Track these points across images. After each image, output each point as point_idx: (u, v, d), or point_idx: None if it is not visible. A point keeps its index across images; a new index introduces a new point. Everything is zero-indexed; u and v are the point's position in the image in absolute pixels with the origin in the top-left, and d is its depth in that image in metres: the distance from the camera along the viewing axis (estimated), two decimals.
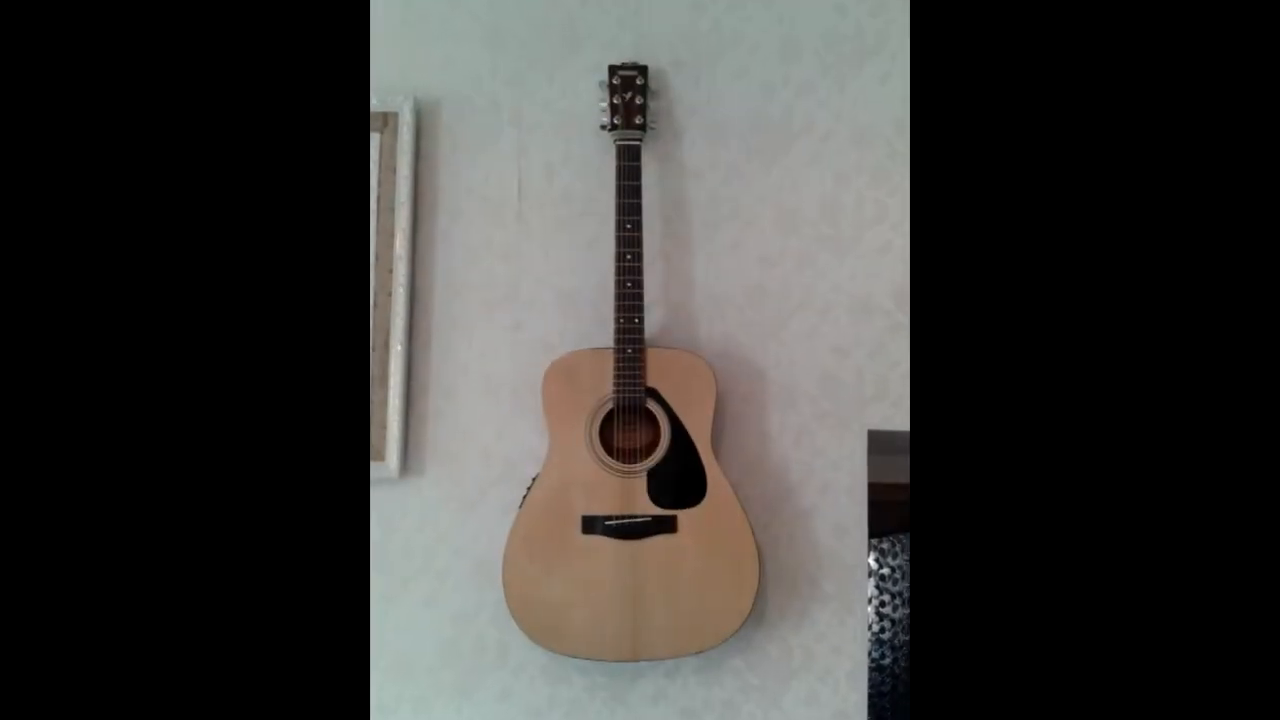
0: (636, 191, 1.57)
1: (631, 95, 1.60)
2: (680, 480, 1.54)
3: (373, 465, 1.63)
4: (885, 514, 1.66)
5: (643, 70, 1.62)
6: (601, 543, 1.52)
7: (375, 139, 1.68)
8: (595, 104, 1.67)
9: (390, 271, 1.67)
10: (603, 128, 1.62)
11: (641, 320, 1.54)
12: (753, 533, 1.54)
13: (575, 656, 1.55)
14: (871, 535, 1.65)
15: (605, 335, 1.59)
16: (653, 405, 1.54)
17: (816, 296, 1.69)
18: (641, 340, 1.54)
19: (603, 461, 1.54)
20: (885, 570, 1.63)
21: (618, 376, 1.54)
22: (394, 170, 1.68)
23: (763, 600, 1.65)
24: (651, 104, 1.64)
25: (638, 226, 1.56)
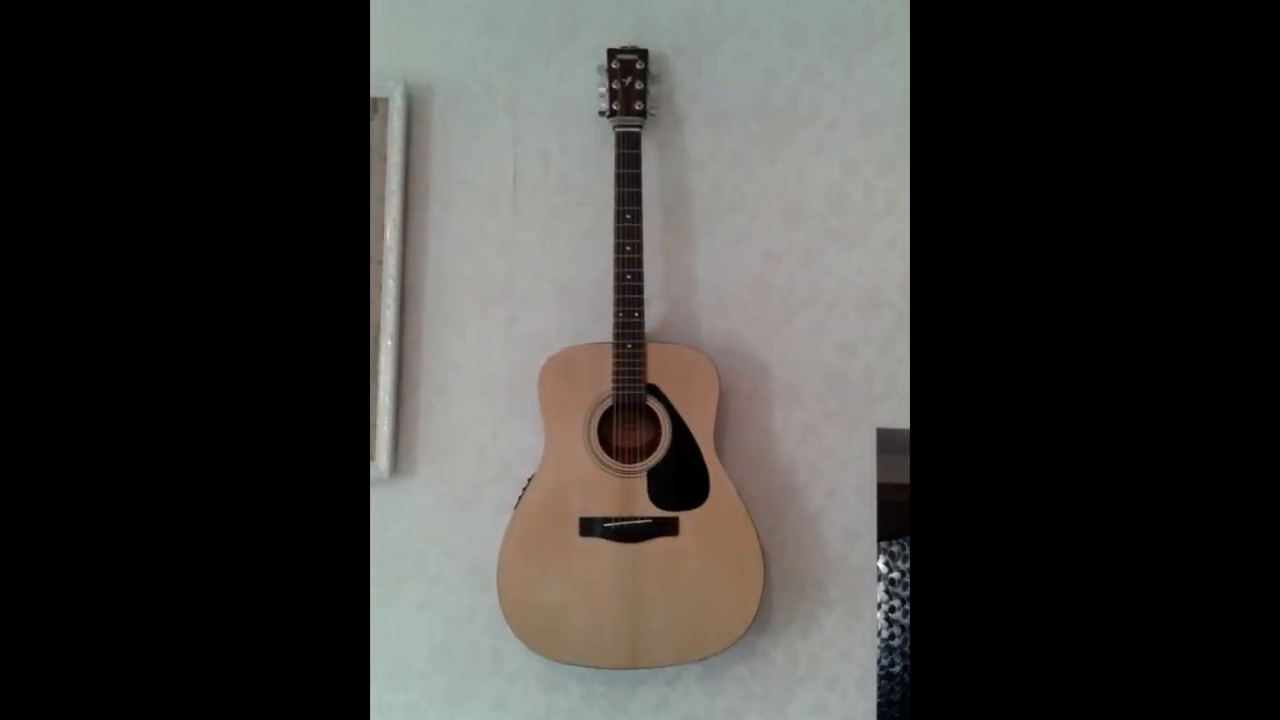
0: (636, 180, 1.55)
1: (631, 80, 1.58)
2: (682, 480, 1.52)
3: None
4: (895, 515, 1.64)
5: (643, 54, 1.60)
6: (600, 545, 1.51)
7: None
8: (593, 89, 1.65)
9: (380, 264, 1.65)
10: (601, 114, 1.60)
11: (641, 314, 1.52)
12: (757, 535, 1.52)
13: (573, 663, 1.53)
14: (881, 538, 1.64)
15: (604, 330, 1.57)
16: (653, 403, 1.53)
17: (823, 291, 1.68)
18: (641, 335, 1.52)
19: (601, 461, 1.52)
20: (895, 574, 1.62)
21: (617, 373, 1.52)
22: (384, 158, 1.66)
23: (767, 605, 1.63)
24: (652, 89, 1.62)
25: (637, 217, 1.54)
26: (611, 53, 1.60)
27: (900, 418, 1.66)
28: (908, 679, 1.62)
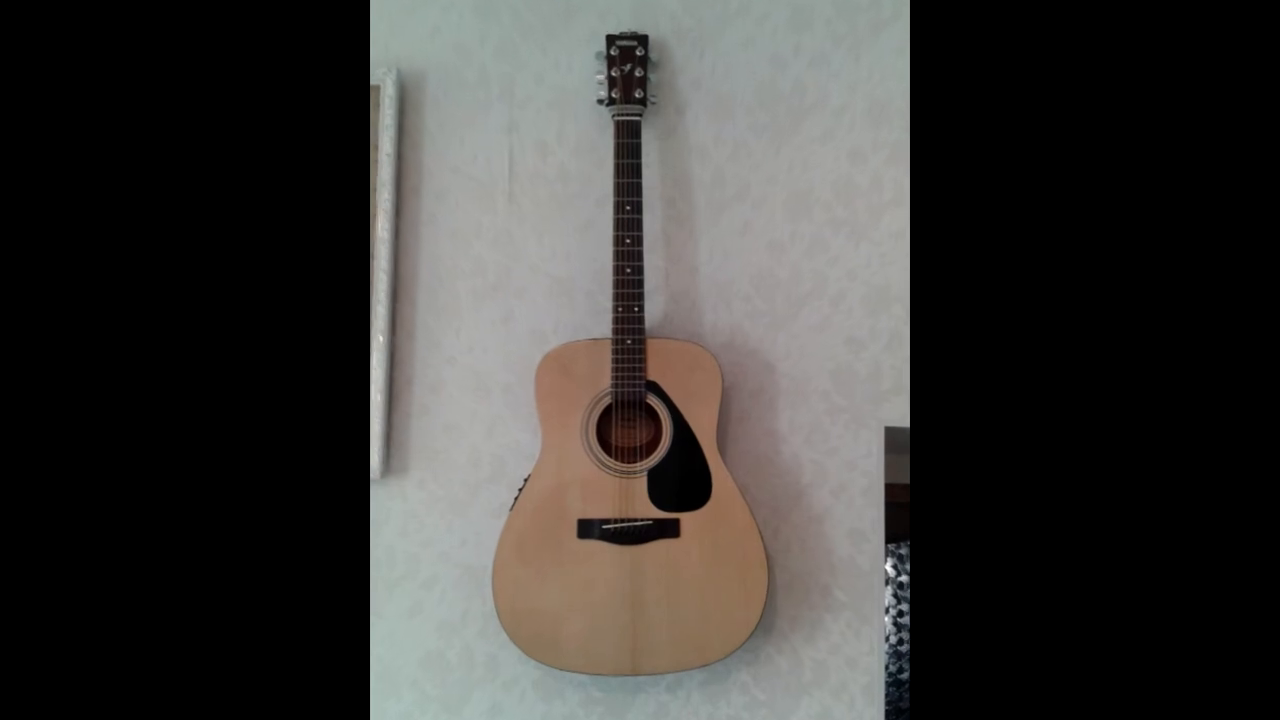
0: (636, 170, 1.52)
1: (631, 67, 1.56)
2: (683, 481, 1.50)
3: None
4: (904, 517, 1.62)
5: (643, 40, 1.58)
6: (599, 548, 1.48)
7: None
8: (592, 77, 1.63)
9: (372, 257, 1.62)
10: (600, 102, 1.58)
11: (641, 309, 1.50)
12: (761, 537, 1.50)
13: (570, 670, 1.51)
14: (889, 540, 1.62)
15: (602, 325, 1.56)
16: (653, 400, 1.51)
17: (829, 284, 1.65)
18: (642, 330, 1.50)
19: (600, 461, 1.50)
20: (904, 577, 1.59)
21: (616, 369, 1.50)
22: (376, 148, 1.63)
23: (772, 610, 1.62)
24: (652, 76, 1.60)
25: (638, 208, 1.52)
26: (611, 39, 1.58)
27: (909, 416, 1.63)
28: None
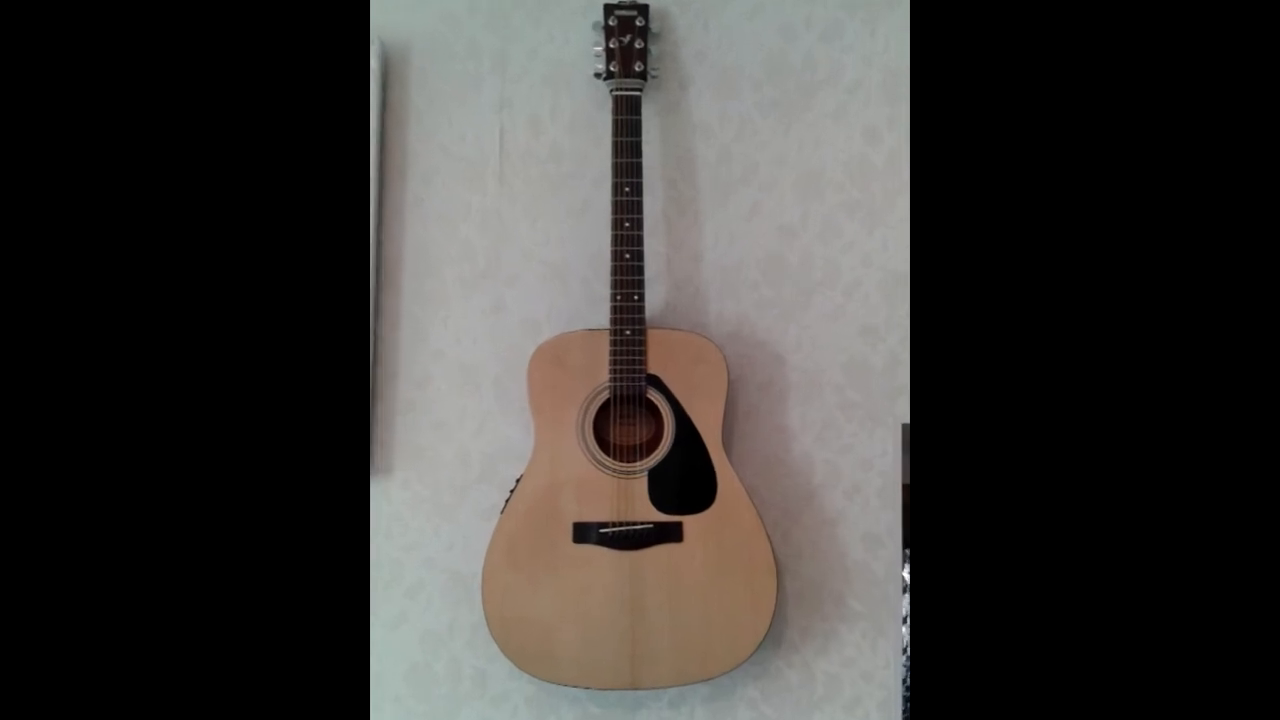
0: (636, 149, 1.49)
1: (630, 38, 1.53)
2: (686, 481, 1.48)
3: None
4: None
5: (643, 9, 1.55)
6: (596, 553, 1.46)
7: None
8: (588, 49, 1.60)
9: None
10: (597, 76, 1.55)
11: (642, 297, 1.47)
12: (769, 541, 1.47)
13: (566, 684, 1.49)
14: (906, 545, 1.60)
15: (600, 315, 1.54)
16: (654, 395, 1.48)
17: (843, 270, 1.62)
18: (642, 320, 1.47)
19: (597, 460, 1.47)
20: None
21: (614, 362, 1.47)
22: None
23: (781, 620, 1.59)
24: (653, 48, 1.57)
25: (637, 189, 1.49)
26: (609, 8, 1.55)
27: None
28: None
